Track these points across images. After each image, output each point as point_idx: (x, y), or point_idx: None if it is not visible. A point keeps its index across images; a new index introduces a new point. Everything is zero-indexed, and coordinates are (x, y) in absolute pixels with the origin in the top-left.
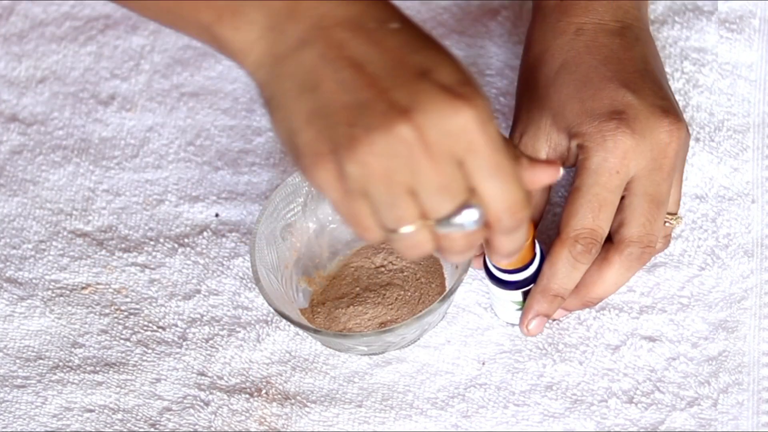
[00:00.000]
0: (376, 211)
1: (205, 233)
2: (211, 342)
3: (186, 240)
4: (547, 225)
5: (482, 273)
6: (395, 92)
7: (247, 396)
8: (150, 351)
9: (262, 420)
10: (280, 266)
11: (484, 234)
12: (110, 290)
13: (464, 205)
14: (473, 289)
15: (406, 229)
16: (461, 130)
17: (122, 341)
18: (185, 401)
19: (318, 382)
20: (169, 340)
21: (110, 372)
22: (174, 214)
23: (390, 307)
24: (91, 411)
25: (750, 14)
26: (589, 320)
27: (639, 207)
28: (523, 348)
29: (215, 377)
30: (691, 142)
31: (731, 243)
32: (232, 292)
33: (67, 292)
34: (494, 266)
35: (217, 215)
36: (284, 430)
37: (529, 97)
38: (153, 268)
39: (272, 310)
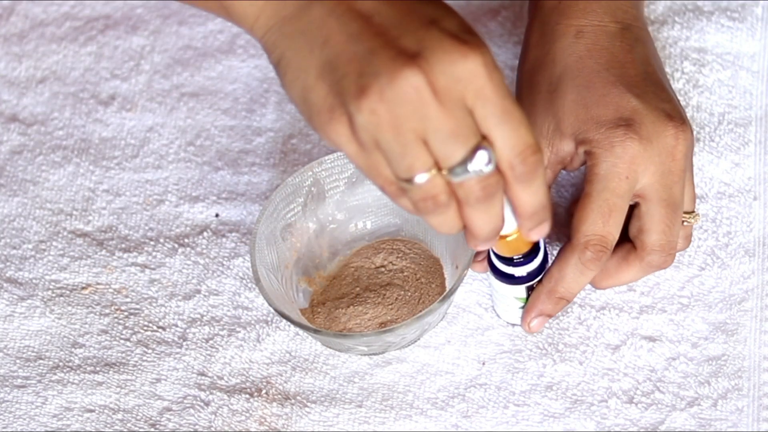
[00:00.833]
0: (390, 161)
1: (205, 233)
2: (211, 342)
3: (186, 240)
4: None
5: (482, 273)
6: (403, 39)
7: (247, 396)
8: (150, 351)
9: (262, 420)
10: (280, 266)
11: (499, 182)
12: (110, 290)
13: (476, 149)
14: (473, 289)
15: (420, 178)
16: (470, 76)
17: (122, 341)
18: (185, 401)
19: (318, 382)
20: (169, 340)
21: (110, 372)
22: (174, 214)
23: (390, 307)
24: (91, 411)
25: (752, 2)
26: (589, 320)
27: (657, 213)
28: (523, 348)
29: (215, 377)
30: None
31: (731, 242)
32: (232, 292)
33: (68, 292)
34: (499, 260)
35: (217, 215)
36: (284, 430)
37: (530, 101)
38: (153, 268)
39: (272, 310)
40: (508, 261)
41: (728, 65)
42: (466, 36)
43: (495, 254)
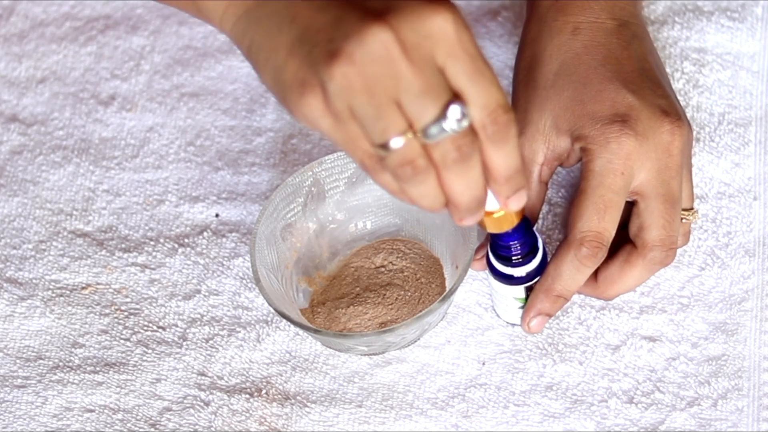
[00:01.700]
0: (365, 128)
1: (205, 233)
2: (211, 342)
3: (186, 240)
4: (548, 225)
5: (483, 273)
6: (369, 1)
7: (248, 396)
8: (150, 351)
9: (262, 420)
10: (280, 266)
11: (473, 141)
12: (110, 290)
13: (448, 105)
14: (473, 289)
15: (396, 143)
16: (440, 33)
17: (122, 341)
18: (185, 401)
19: (318, 382)
20: (169, 340)
21: (110, 372)
22: (174, 215)
23: (390, 307)
24: (91, 411)
25: (752, 2)
26: (589, 320)
27: (655, 209)
28: (523, 348)
29: (215, 377)
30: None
31: (731, 242)
32: (232, 292)
33: (68, 292)
34: (497, 261)
35: (217, 215)
36: (284, 430)
37: (526, 98)
38: (153, 268)
39: (272, 310)
40: (507, 261)
41: (728, 65)
42: None
43: (493, 254)
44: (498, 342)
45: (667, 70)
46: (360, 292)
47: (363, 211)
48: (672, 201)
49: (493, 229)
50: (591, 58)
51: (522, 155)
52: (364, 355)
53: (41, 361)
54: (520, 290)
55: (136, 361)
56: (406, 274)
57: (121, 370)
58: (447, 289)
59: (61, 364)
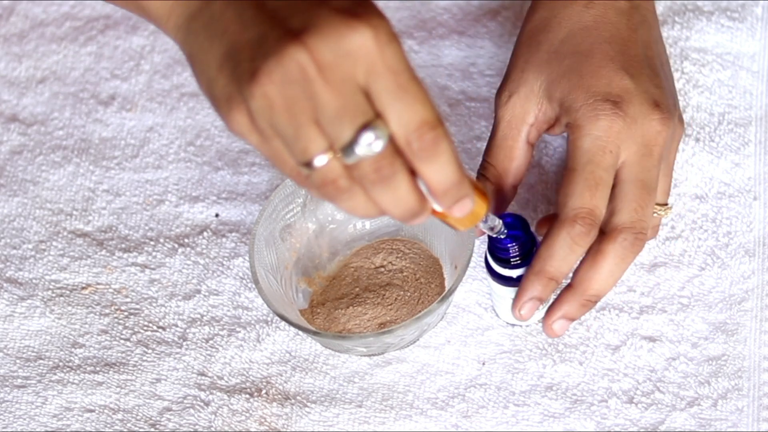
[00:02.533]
0: (287, 146)
1: (205, 233)
2: (211, 342)
3: (186, 240)
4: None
5: (482, 273)
6: (291, 19)
7: (247, 396)
8: (150, 351)
9: (262, 420)
10: (279, 267)
11: (393, 162)
12: (110, 290)
13: (364, 128)
14: (473, 289)
15: (319, 161)
16: (359, 51)
17: (122, 341)
18: (185, 401)
19: (318, 382)
20: (169, 340)
21: (110, 372)
22: (174, 214)
23: (389, 307)
24: (91, 411)
25: (752, 2)
26: (589, 320)
27: (630, 193)
28: (523, 348)
29: (215, 377)
30: (691, 142)
31: (731, 242)
32: (232, 292)
33: (67, 292)
34: (495, 262)
35: (217, 215)
36: (284, 430)
37: (526, 58)
38: (153, 268)
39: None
40: (506, 263)
41: (728, 65)
42: (358, 9)
43: (492, 256)
44: (498, 342)
45: None
46: (359, 292)
47: None
48: (648, 188)
49: (459, 227)
50: (598, 33)
51: (459, 166)
52: (364, 355)
53: (41, 361)
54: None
55: (136, 361)
56: (405, 274)
57: (121, 370)
58: (446, 289)
59: (61, 364)
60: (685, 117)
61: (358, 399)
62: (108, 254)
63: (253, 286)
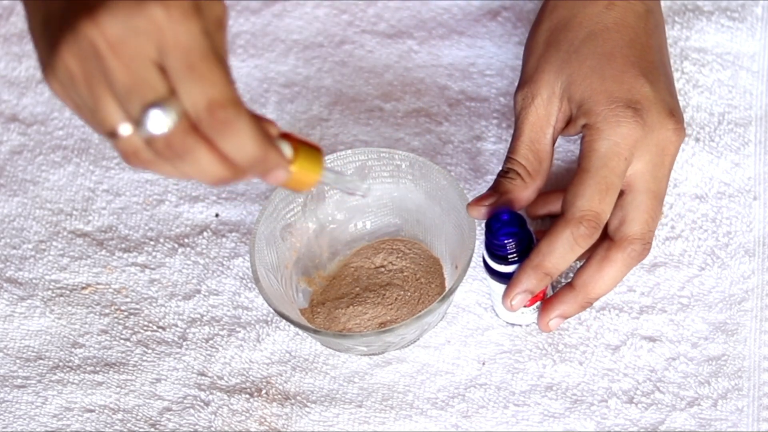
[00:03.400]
0: (91, 117)
1: (205, 233)
2: (211, 342)
3: (186, 240)
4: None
5: (482, 273)
6: None
7: (247, 396)
8: (150, 351)
9: (262, 420)
10: (279, 266)
11: (186, 138)
12: (110, 290)
13: (153, 105)
14: (473, 289)
15: (122, 131)
16: (151, 27)
17: (122, 341)
18: (185, 401)
19: (318, 382)
20: (169, 340)
21: (110, 372)
22: (174, 214)
23: (390, 307)
24: (91, 411)
25: (752, 2)
26: (589, 320)
27: (642, 204)
28: (523, 348)
29: (215, 377)
30: (691, 142)
31: (731, 242)
32: (232, 292)
33: (67, 292)
34: (492, 259)
35: (217, 215)
36: (284, 430)
37: (546, 58)
38: (153, 268)
39: (272, 310)
40: (503, 260)
41: (728, 65)
42: None
43: (489, 254)
44: (498, 342)
45: None
46: (360, 292)
47: (363, 211)
48: (659, 198)
49: (296, 190)
50: (619, 36)
51: (260, 141)
52: (364, 355)
53: (41, 361)
54: None
55: (136, 361)
56: (405, 274)
57: (121, 370)
58: (446, 289)
59: (61, 364)
60: (685, 117)
61: (358, 399)
62: (108, 254)
63: (253, 286)
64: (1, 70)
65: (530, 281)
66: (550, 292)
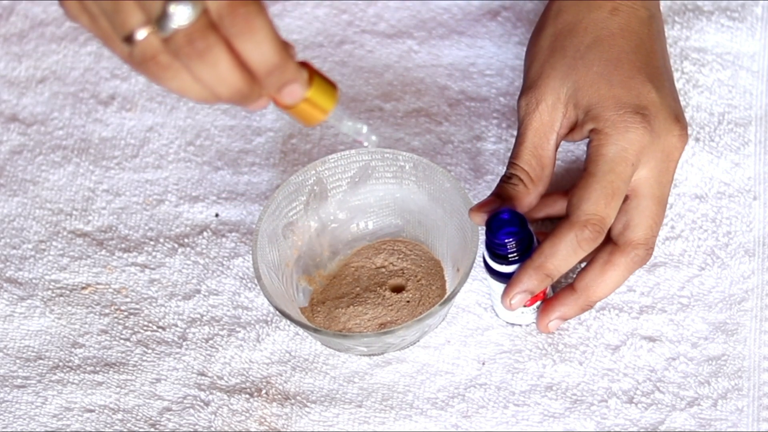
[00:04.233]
0: (109, 23)
1: (205, 233)
2: (211, 342)
3: (186, 240)
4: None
5: (482, 274)
6: None
7: (247, 396)
8: (150, 351)
9: (262, 420)
10: (281, 264)
11: (207, 35)
12: (110, 290)
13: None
14: (473, 289)
15: (139, 36)
16: None
17: (122, 341)
18: (185, 401)
19: (318, 382)
20: (169, 340)
21: (110, 372)
22: (174, 214)
23: (390, 308)
24: (91, 411)
25: (752, 2)
26: (589, 320)
27: (647, 209)
28: (523, 348)
29: (215, 377)
30: (691, 142)
31: (731, 242)
32: (232, 292)
33: (67, 292)
34: (493, 259)
35: (217, 215)
36: (284, 430)
37: (552, 63)
38: (153, 268)
39: (272, 310)
40: (503, 260)
41: (728, 65)
42: None
43: (489, 254)
44: (498, 342)
45: None
46: (360, 292)
47: (365, 211)
48: (663, 204)
49: (306, 122)
50: (625, 42)
51: (279, 47)
52: (364, 355)
53: (41, 361)
54: None
55: (136, 361)
56: (406, 275)
57: (121, 370)
58: (447, 292)
59: (61, 364)
60: (685, 117)
61: (358, 399)
62: (108, 254)
63: (253, 286)
64: (1, 70)
65: (531, 281)
66: (550, 293)
